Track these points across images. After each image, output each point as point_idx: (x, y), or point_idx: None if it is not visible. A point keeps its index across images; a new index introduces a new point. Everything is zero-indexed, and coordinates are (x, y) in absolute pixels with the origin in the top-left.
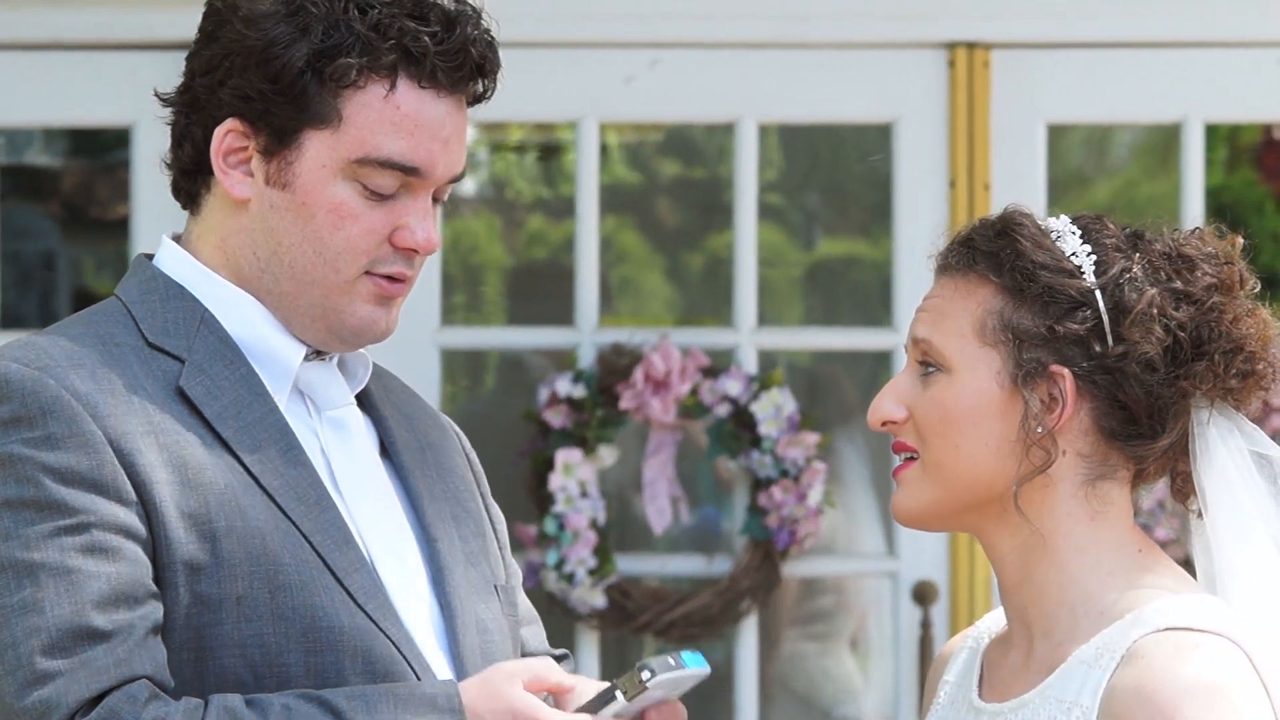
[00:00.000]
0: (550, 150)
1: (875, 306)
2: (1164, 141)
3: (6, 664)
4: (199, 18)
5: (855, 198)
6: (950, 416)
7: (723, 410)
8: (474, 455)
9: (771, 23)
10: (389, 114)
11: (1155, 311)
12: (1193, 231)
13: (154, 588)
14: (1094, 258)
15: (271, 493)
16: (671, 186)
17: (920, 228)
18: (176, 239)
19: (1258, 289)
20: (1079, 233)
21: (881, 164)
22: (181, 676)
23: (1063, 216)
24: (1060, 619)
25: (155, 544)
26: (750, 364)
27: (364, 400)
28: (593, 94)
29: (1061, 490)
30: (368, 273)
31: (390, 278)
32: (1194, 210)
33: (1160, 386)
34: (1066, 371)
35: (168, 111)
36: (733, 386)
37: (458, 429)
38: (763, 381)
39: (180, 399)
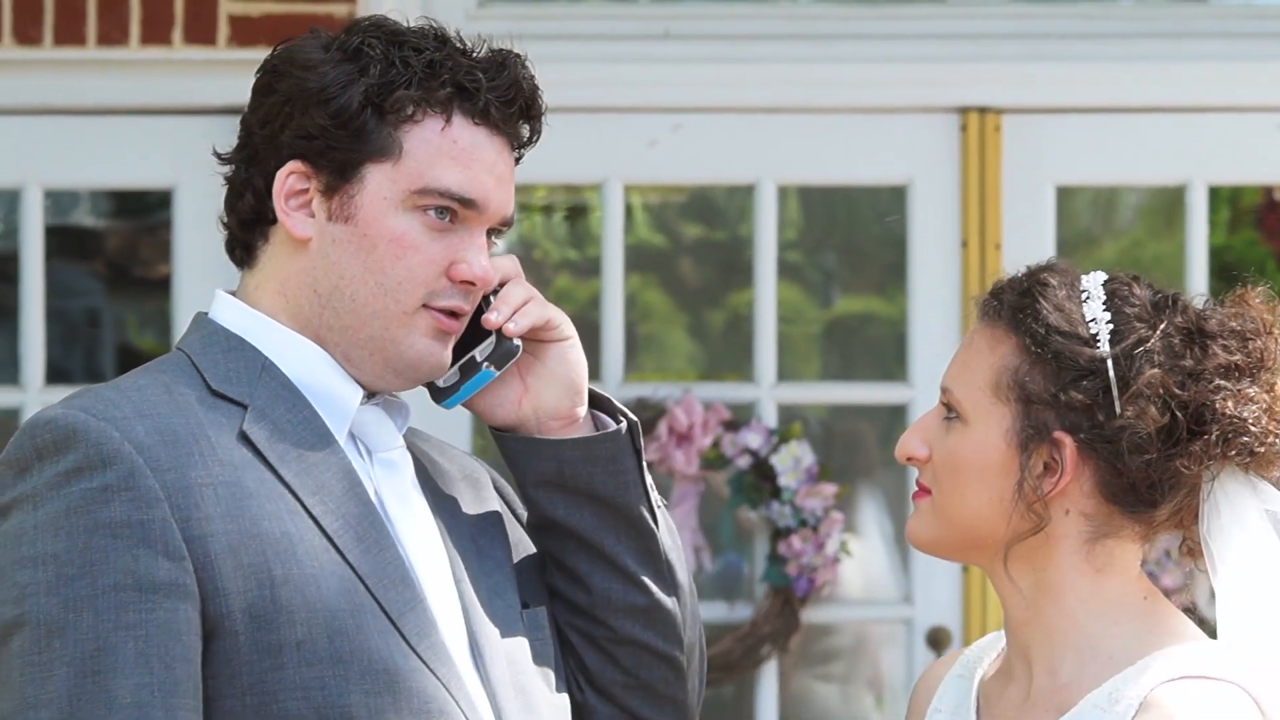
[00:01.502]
0: (576, 211)
1: (890, 361)
2: (1168, 203)
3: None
4: (238, 82)
5: (871, 257)
6: (959, 466)
7: (744, 462)
8: (506, 487)
9: (790, 88)
10: (446, 147)
11: (1155, 390)
12: (1236, 297)
13: (188, 646)
14: (1111, 326)
15: (331, 535)
16: (694, 246)
17: (933, 286)
18: (231, 294)
19: None
20: (1105, 298)
21: (896, 224)
22: None
23: (1097, 273)
24: (1065, 660)
25: (211, 594)
26: (770, 417)
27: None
28: (617, 157)
29: (1065, 546)
30: (425, 306)
31: (447, 313)
32: (1198, 269)
33: (1150, 464)
34: (1068, 439)
35: (221, 172)
36: (753, 439)
37: (489, 468)
38: (782, 434)
39: (245, 443)
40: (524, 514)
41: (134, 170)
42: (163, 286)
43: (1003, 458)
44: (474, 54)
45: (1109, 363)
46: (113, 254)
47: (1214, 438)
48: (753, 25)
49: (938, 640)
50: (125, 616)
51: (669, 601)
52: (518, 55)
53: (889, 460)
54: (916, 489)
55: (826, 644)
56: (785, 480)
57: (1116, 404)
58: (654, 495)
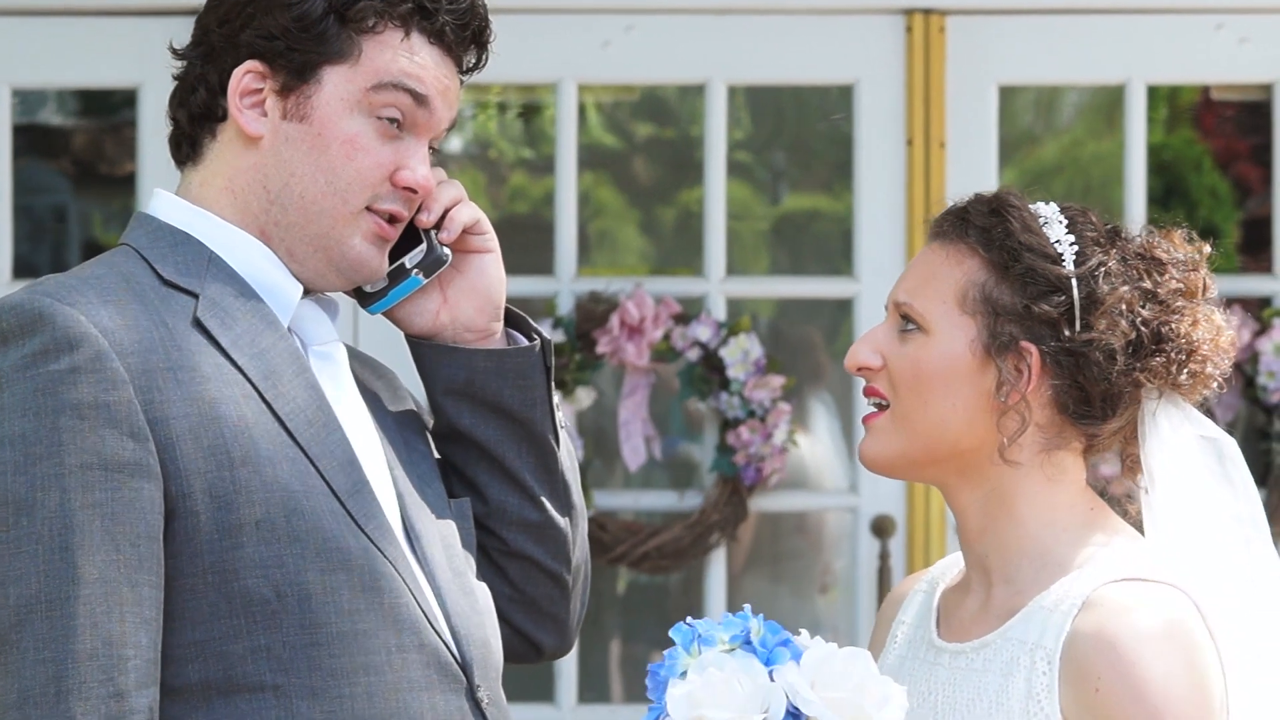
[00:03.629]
0: (530, 110)
1: (837, 257)
2: (1108, 102)
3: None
4: None
5: (818, 155)
6: (923, 374)
7: (693, 355)
8: (416, 397)
9: None
10: (404, 52)
11: (1124, 307)
12: (1164, 233)
13: (152, 525)
14: (1075, 248)
15: (283, 418)
16: (645, 145)
17: (879, 184)
18: (172, 194)
19: (1216, 295)
20: (1065, 222)
21: (843, 123)
22: (207, 599)
23: (1052, 204)
24: (1020, 568)
25: (173, 475)
26: (720, 311)
27: None
28: (571, 57)
29: (1022, 455)
30: (369, 209)
31: (387, 219)
32: (1137, 167)
33: (1117, 375)
34: (1035, 348)
35: (178, 68)
36: (703, 332)
37: (396, 375)
38: (731, 328)
39: (199, 330)
40: (430, 422)
41: (100, 70)
42: (127, 184)
43: (968, 366)
44: None
45: (1074, 281)
46: (78, 152)
47: (1172, 355)
48: None
49: (882, 529)
50: (92, 495)
51: (561, 521)
52: None
53: (836, 355)
54: (871, 410)
55: (774, 533)
56: (734, 372)
57: (1077, 320)
58: (559, 415)
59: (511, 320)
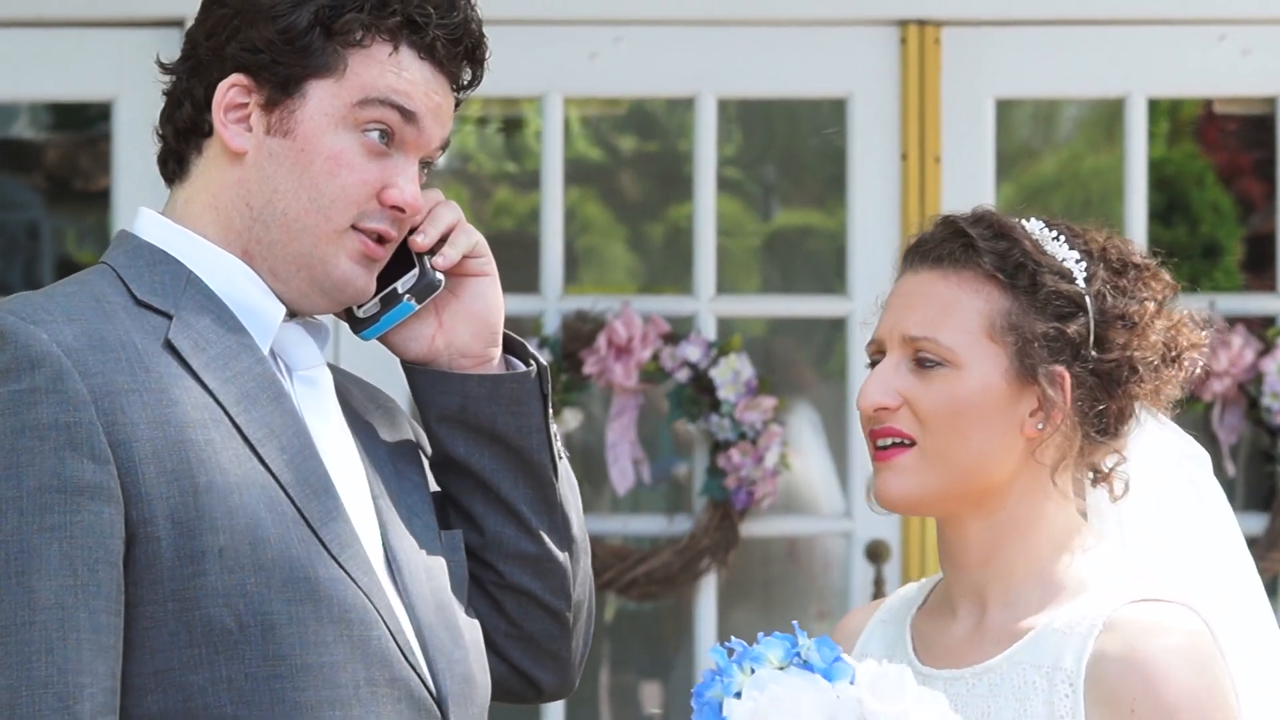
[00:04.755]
0: (512, 124)
1: (830, 275)
2: (1108, 116)
3: None
4: None
5: (811, 170)
6: (961, 410)
7: (683, 375)
8: (417, 426)
9: (730, 1)
10: (391, 68)
11: (1147, 320)
12: (1104, 234)
13: (112, 550)
14: (1083, 264)
15: (254, 443)
16: (633, 160)
17: (873, 199)
18: (157, 213)
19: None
20: (1063, 238)
21: (836, 137)
22: (167, 627)
23: (1034, 220)
24: (1023, 592)
25: (135, 499)
26: (709, 330)
27: None
28: (557, 70)
29: (1043, 476)
30: (355, 228)
31: (375, 239)
32: (1138, 182)
33: (1144, 391)
34: (1065, 371)
35: (163, 83)
36: (692, 352)
37: (396, 403)
38: (721, 347)
39: (169, 352)
40: (430, 452)
41: (74, 82)
42: (102, 199)
43: (1003, 396)
44: None
45: (1088, 299)
46: (52, 166)
47: (1186, 366)
48: None
49: (877, 554)
50: (49, 518)
51: (560, 554)
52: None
53: (829, 375)
54: (889, 445)
55: (766, 558)
56: (724, 393)
57: (1092, 337)
58: (557, 445)
59: (510, 346)
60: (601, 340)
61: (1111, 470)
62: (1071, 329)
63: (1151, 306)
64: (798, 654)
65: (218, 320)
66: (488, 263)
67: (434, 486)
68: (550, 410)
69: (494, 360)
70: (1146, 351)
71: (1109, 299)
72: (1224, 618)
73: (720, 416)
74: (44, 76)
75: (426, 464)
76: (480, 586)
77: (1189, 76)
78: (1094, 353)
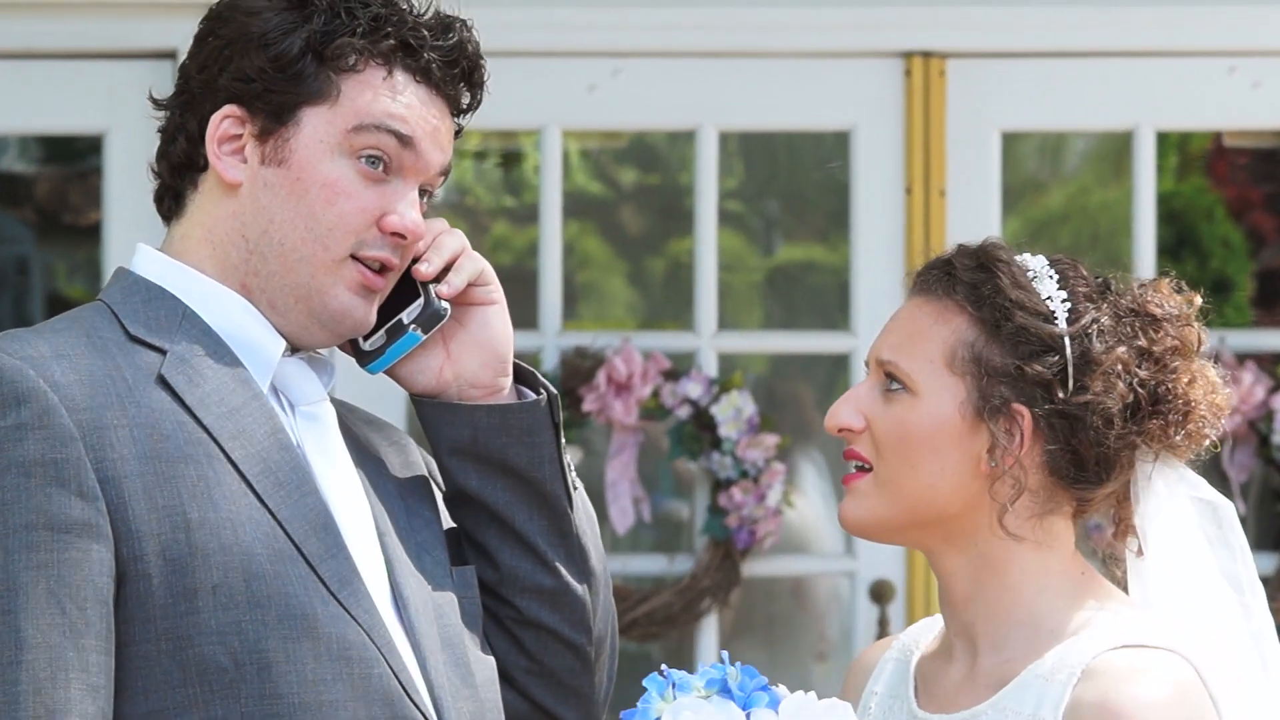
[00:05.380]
0: (510, 158)
1: (833, 311)
2: (1116, 149)
3: None
4: (172, 25)
5: (814, 204)
6: (910, 437)
7: (684, 412)
8: (431, 462)
9: (731, 32)
10: (385, 92)
11: (1120, 368)
12: (1153, 284)
13: (100, 588)
14: (1068, 304)
15: (250, 480)
16: (633, 193)
17: (877, 234)
18: (154, 249)
19: (1208, 349)
20: (1056, 277)
21: (839, 171)
22: (161, 666)
23: (1040, 256)
24: (1010, 636)
25: (125, 536)
26: (711, 367)
27: None
28: (556, 102)
29: (1013, 522)
30: (354, 258)
31: (375, 269)
32: (1146, 217)
33: (1114, 439)
34: (1027, 411)
35: (157, 118)
36: (693, 389)
37: (408, 439)
38: (723, 384)
39: (163, 387)
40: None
41: (65, 115)
42: (93, 233)
43: (957, 429)
44: (421, 15)
45: (1067, 340)
46: (42, 200)
47: (1169, 417)
48: None
49: (881, 594)
50: (36, 556)
51: (578, 587)
52: (464, 21)
53: None
54: (852, 470)
55: (768, 598)
56: (726, 430)
57: (1070, 381)
58: (571, 476)
59: (521, 376)
60: (601, 377)
61: (1122, 520)
62: (1036, 368)
63: (1161, 353)
64: (722, 682)
65: (213, 355)
66: (494, 290)
67: (449, 523)
68: (562, 440)
69: (504, 390)
70: (1114, 399)
71: (1095, 343)
72: (1220, 665)
73: (722, 454)
74: (34, 109)
75: (440, 499)
76: (498, 622)
77: (1198, 109)
78: (1065, 394)
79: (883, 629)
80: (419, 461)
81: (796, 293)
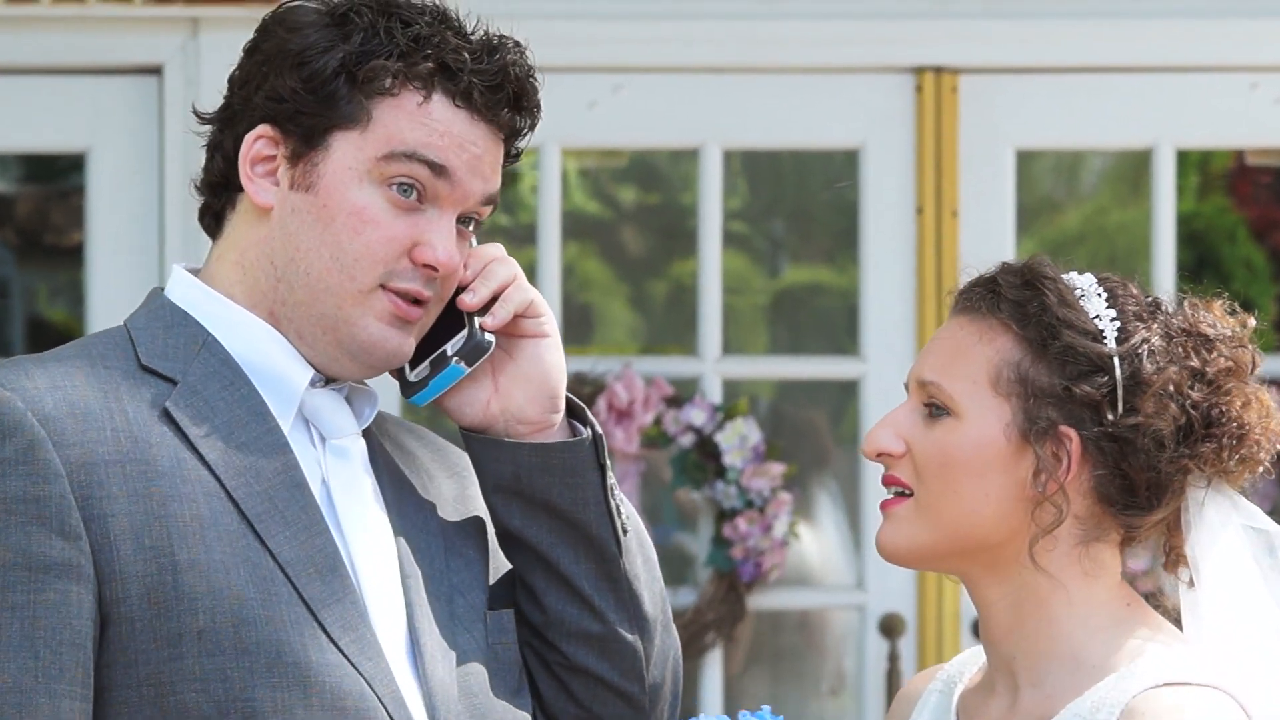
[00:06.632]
0: (506, 177)
1: (841, 334)
2: (1135, 168)
3: None
4: (156, 40)
5: (821, 224)
6: (953, 462)
7: (687, 440)
8: None
9: (736, 47)
10: (420, 118)
11: (1172, 389)
12: (1205, 304)
13: (78, 631)
14: (1117, 323)
15: (252, 519)
16: (634, 213)
17: (887, 255)
18: (194, 272)
19: (1261, 371)
20: (1105, 295)
21: (848, 190)
22: (142, 713)
23: (1088, 274)
24: (1050, 671)
25: (108, 577)
26: (715, 393)
27: (364, 435)
28: (555, 119)
29: (1058, 549)
30: (385, 288)
31: (409, 300)
32: (1165, 237)
33: (1166, 463)
34: (1075, 434)
35: (199, 133)
36: (697, 416)
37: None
38: (727, 411)
39: (166, 421)
40: None
41: (46, 133)
42: (75, 255)
43: (1001, 453)
44: (469, 35)
45: (1116, 360)
46: (23, 220)
47: (1223, 441)
48: None
49: (891, 628)
50: (12, 596)
51: (629, 635)
52: (517, 42)
53: (840, 440)
54: (890, 495)
55: (774, 632)
56: (730, 459)
57: (1120, 403)
58: (621, 518)
59: (574, 411)
60: (601, 403)
61: (1173, 549)
62: (1085, 389)
63: (1215, 375)
64: None
65: (228, 387)
66: (546, 323)
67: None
68: (610, 481)
69: (554, 426)
70: (1166, 422)
71: (1145, 363)
72: (1272, 701)
73: (726, 484)
74: (14, 126)
75: (493, 535)
76: (546, 668)
77: (1219, 127)
78: (1115, 416)
79: (893, 664)
80: (476, 494)
81: (803, 316)
